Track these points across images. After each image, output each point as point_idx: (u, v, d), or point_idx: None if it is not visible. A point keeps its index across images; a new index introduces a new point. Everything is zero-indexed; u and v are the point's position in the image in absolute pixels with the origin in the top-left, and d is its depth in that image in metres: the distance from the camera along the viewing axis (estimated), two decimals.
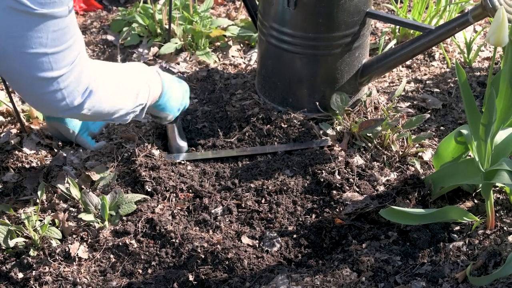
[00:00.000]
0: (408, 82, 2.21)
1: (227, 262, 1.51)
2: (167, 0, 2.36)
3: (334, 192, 1.71)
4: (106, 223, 1.61)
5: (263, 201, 1.71)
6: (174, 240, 1.57)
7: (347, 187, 1.72)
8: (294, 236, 1.62)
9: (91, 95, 1.43)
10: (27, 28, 1.26)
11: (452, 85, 2.18)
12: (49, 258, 1.53)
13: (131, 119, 1.62)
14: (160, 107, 1.73)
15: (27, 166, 1.82)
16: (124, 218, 1.64)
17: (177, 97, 1.78)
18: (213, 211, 1.69)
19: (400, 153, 1.84)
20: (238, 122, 1.98)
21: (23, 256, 1.54)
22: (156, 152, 1.84)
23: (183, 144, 1.91)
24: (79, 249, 1.55)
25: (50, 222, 1.61)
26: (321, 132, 1.91)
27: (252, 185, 1.76)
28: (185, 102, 1.84)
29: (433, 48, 2.34)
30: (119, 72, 1.58)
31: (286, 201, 1.71)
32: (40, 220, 1.63)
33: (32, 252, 1.54)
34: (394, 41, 2.37)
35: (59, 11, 1.28)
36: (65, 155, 1.83)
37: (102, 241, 1.57)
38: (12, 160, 1.83)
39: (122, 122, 1.63)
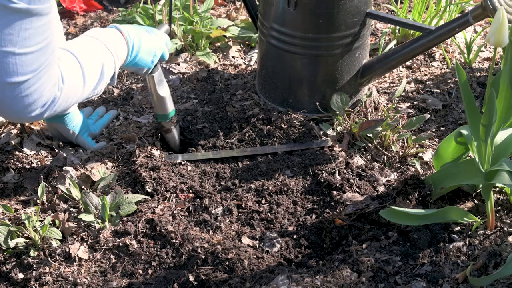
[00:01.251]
0: (408, 83, 2.21)
1: (227, 263, 1.51)
2: (167, 0, 2.36)
3: (335, 192, 1.71)
4: (107, 223, 1.61)
5: (263, 201, 1.71)
6: (174, 240, 1.57)
7: (347, 188, 1.72)
8: (294, 236, 1.62)
9: (54, 101, 1.38)
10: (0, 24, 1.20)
11: (452, 85, 2.18)
12: (49, 259, 1.53)
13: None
14: (131, 64, 1.67)
15: (27, 166, 1.82)
16: (125, 218, 1.64)
17: (148, 49, 1.68)
18: (213, 211, 1.69)
19: (400, 153, 1.84)
20: (239, 123, 1.98)
21: (24, 256, 1.54)
22: (157, 152, 1.84)
23: (165, 94, 1.82)
24: (79, 250, 1.55)
25: (51, 222, 1.61)
26: (321, 132, 1.91)
27: (252, 186, 1.76)
28: (160, 52, 1.73)
29: (433, 48, 2.34)
30: (82, 58, 1.48)
31: (286, 202, 1.71)
32: (41, 221, 1.62)
33: (32, 253, 1.54)
34: (394, 42, 2.37)
35: (36, 8, 1.22)
36: (65, 155, 1.83)
37: (102, 241, 1.57)
38: (12, 161, 1.83)
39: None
